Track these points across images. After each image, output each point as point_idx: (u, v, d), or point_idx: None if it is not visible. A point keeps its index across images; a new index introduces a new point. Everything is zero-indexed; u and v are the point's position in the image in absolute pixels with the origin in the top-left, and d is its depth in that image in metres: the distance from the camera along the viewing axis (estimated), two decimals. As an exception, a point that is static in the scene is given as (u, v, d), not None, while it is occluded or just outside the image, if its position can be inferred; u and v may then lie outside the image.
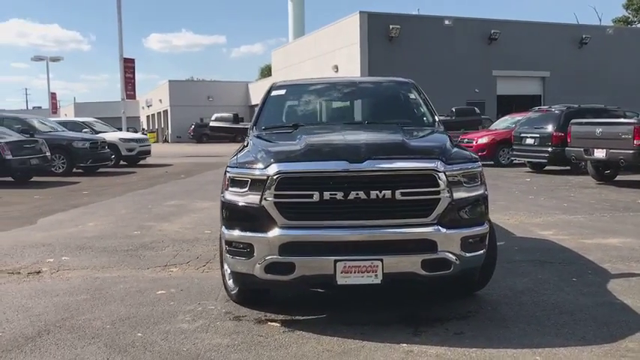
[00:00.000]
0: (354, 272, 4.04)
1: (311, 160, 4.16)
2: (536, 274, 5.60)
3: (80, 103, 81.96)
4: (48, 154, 15.67)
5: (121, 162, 21.24)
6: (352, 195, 3.99)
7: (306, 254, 4.07)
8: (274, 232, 4.07)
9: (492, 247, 4.72)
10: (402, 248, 4.07)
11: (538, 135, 15.85)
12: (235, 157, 4.51)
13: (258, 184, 4.12)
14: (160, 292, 5.25)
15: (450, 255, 4.11)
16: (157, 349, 3.91)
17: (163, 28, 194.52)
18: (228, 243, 4.29)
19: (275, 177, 4.06)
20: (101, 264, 6.40)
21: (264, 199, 4.08)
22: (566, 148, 13.88)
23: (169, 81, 59.89)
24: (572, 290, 5.06)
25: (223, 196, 4.37)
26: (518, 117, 19.27)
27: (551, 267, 5.86)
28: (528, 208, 9.78)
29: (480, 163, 4.42)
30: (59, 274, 6.02)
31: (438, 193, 4.08)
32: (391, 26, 33.76)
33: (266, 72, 66.22)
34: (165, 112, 60.70)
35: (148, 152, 22.67)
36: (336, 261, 4.02)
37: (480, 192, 4.33)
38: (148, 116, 69.74)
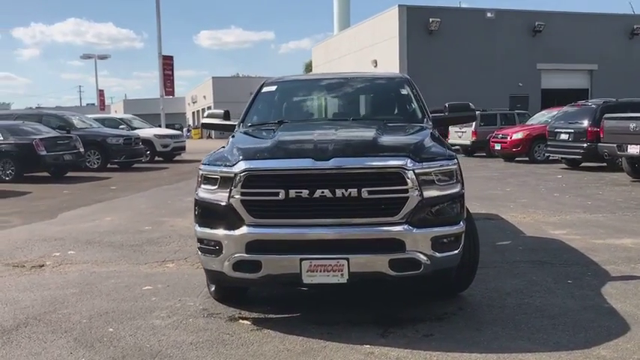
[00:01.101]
0: (320, 271, 3.98)
1: (277, 157, 4.12)
2: (532, 275, 5.40)
3: (130, 99, 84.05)
4: (81, 150, 16.12)
5: (157, 158, 21.65)
6: (318, 193, 3.93)
7: (272, 252, 4.04)
8: (241, 230, 4.05)
9: (473, 247, 4.58)
10: (368, 247, 3.98)
11: (572, 130, 15.33)
12: (210, 155, 4.51)
13: (226, 182, 4.11)
14: (146, 287, 5.31)
15: (420, 255, 4.00)
16: (122, 345, 3.95)
17: (213, 24, 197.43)
18: (200, 240, 4.30)
19: (241, 175, 4.04)
20: (102, 259, 6.53)
21: (232, 196, 4.07)
22: (599, 144, 13.38)
23: (213, 78, 60.70)
24: (563, 293, 4.87)
25: (197, 194, 4.37)
26: (555, 111, 18.67)
27: (550, 268, 5.65)
28: (549, 206, 9.47)
29: (455, 161, 4.25)
30: (59, 268, 6.16)
31: (406, 191, 3.96)
32: (431, 19, 33.25)
33: (310, 68, 66.33)
34: (209, 108, 61.40)
35: (183, 148, 23.05)
36: (301, 259, 3.97)
37: (455, 190, 4.19)
38: (193, 112, 70.93)
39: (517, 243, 6.79)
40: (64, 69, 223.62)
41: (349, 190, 3.92)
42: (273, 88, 5.94)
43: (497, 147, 18.87)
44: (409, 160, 4.00)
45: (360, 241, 3.98)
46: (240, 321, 4.36)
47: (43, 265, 6.32)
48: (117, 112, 67.84)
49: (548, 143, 16.38)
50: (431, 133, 4.83)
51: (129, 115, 25.57)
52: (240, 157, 4.14)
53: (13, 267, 6.29)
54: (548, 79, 35.38)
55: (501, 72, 33.89)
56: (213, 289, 4.76)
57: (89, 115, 23.34)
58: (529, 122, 19.99)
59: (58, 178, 15.71)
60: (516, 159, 18.72)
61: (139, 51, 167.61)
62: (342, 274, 3.97)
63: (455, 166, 4.22)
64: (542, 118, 19.63)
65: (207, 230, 4.22)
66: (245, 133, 5.14)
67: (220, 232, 4.13)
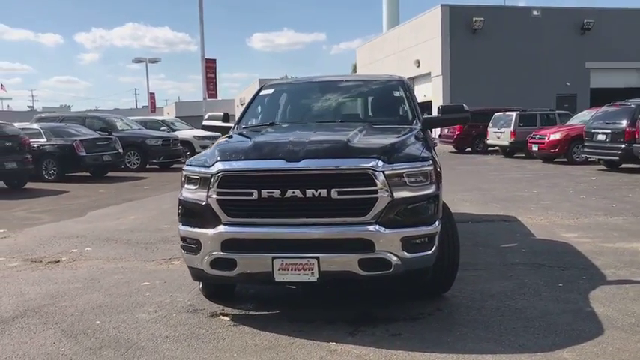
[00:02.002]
0: (291, 269, 4.09)
1: (251, 159, 4.25)
2: (524, 277, 5.36)
3: (182, 102, 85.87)
4: (120, 151, 16.70)
5: (197, 158, 22.09)
6: (289, 193, 4.04)
7: (246, 251, 4.17)
8: (218, 229, 4.20)
9: (452, 247, 4.59)
10: (338, 247, 4.06)
11: (610, 131, 14.88)
12: (194, 157, 4.69)
13: (205, 182, 4.27)
14: (144, 283, 5.54)
15: (391, 255, 4.05)
16: (103, 337, 4.16)
17: (266, 27, 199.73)
18: (183, 239, 4.46)
19: (217, 175, 4.19)
20: (115, 255, 6.82)
21: (210, 196, 4.22)
22: (634, 145, 12.97)
23: (259, 79, 61.39)
24: (548, 296, 4.82)
25: (180, 194, 4.55)
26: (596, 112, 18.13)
27: (546, 271, 5.58)
28: (571, 209, 9.27)
29: (429, 163, 4.27)
30: (72, 264, 6.48)
31: (376, 192, 4.03)
32: (474, 18, 32.84)
33: (356, 69, 66.27)
34: (257, 109, 62.22)
35: (223, 149, 23.43)
36: (273, 258, 4.09)
37: (428, 192, 4.22)
38: (241, 114, 71.84)
39: (522, 245, 6.71)
40: (122, 72, 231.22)
41: (319, 190, 4.02)
42: (271, 90, 6.09)
43: (535, 148, 18.48)
44: (379, 162, 4.07)
45: (330, 241, 4.07)
46: (221, 317, 4.52)
47: (58, 261, 6.66)
48: (169, 114, 69.56)
49: (585, 144, 15.95)
50: (415, 135, 4.86)
51: (171, 117, 26.22)
52: (218, 159, 4.30)
53: (31, 262, 6.64)
54: (598, 78, 34.35)
55: (548, 71, 33.15)
56: (200, 285, 4.94)
57: (135, 118, 24.08)
58: (569, 122, 19.48)
59: (97, 178, 16.33)
60: (555, 160, 18.29)
61: (193, 54, 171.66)
62: (312, 273, 4.07)
63: (428, 168, 4.25)
64: (583, 118, 19.08)
65: (189, 229, 4.39)
66: (237, 135, 5.30)
67: (199, 230, 4.30)
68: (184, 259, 4.59)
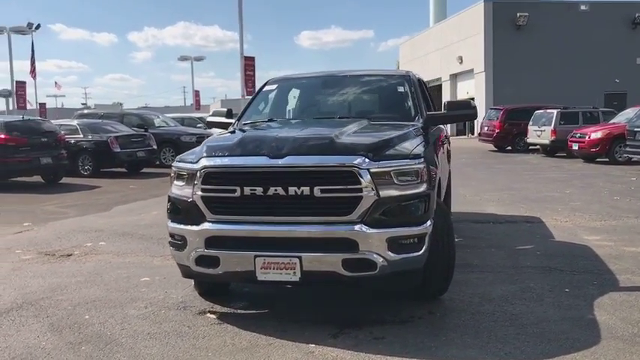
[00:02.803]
0: (273, 268, 4.00)
1: (235, 155, 4.18)
2: (531, 281, 5.12)
3: (227, 99, 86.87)
4: (154, 147, 16.94)
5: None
6: (271, 191, 3.95)
7: (229, 249, 4.11)
8: (202, 226, 4.15)
9: (446, 249, 4.40)
10: (321, 246, 3.95)
11: (653, 129, 14.22)
12: (185, 153, 4.65)
13: (191, 179, 4.22)
14: (144, 279, 5.55)
15: (376, 256, 3.91)
16: (87, 331, 4.17)
17: (314, 25, 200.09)
18: (171, 235, 4.43)
19: (201, 171, 4.14)
20: (125, 250, 6.88)
21: (195, 193, 4.18)
22: (675, 144, 12.33)
23: (303, 77, 61.49)
24: (551, 301, 4.59)
25: (170, 190, 4.52)
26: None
27: (556, 275, 5.33)
28: (600, 210, 8.88)
29: (420, 161, 4.09)
30: (82, 258, 6.56)
31: (360, 190, 3.89)
32: (518, 14, 32.07)
33: (399, 65, 65.50)
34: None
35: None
36: (255, 256, 4.01)
37: (417, 190, 4.05)
38: (287, 111, 72.22)
39: (538, 248, 6.44)
40: (172, 70, 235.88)
41: (302, 188, 3.91)
42: (274, 86, 6.01)
43: (575, 147, 17.84)
44: (364, 159, 3.93)
45: (313, 240, 3.96)
46: (208, 315, 4.47)
47: (70, 255, 6.75)
48: (214, 111, 70.09)
49: (627, 143, 15.29)
50: (413, 131, 4.70)
51: (208, 114, 26.48)
52: (204, 155, 4.25)
53: (45, 255, 6.76)
54: (650, 74, 32.99)
55: (596, 68, 32.06)
56: (194, 282, 4.90)
57: (172, 115, 24.44)
58: (613, 121, 18.72)
59: (132, 174, 16.62)
60: (596, 160, 17.62)
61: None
62: (294, 272, 3.97)
63: (419, 166, 4.08)
64: (628, 116, 18.30)
65: (176, 225, 4.35)
66: (233, 131, 5.23)
67: (185, 227, 4.25)
68: (172, 256, 4.55)
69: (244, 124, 5.51)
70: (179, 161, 4.47)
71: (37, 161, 13.69)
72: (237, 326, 4.19)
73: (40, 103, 49.85)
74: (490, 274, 5.40)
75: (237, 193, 4.03)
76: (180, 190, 4.34)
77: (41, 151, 13.81)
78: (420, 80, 5.98)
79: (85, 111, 24.97)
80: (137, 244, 7.21)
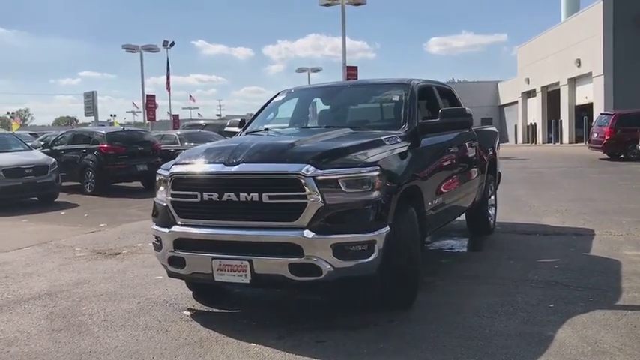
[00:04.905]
0: (227, 270, 4.24)
1: (198, 162, 4.47)
2: (522, 295, 4.93)
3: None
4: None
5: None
6: (225, 197, 4.21)
7: (192, 250, 4.41)
8: (172, 229, 4.50)
9: (406, 257, 4.38)
10: (269, 250, 4.14)
11: None
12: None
13: (166, 184, 4.59)
14: (158, 277, 5.99)
15: (321, 261, 4.03)
16: (72, 321, 4.68)
17: (443, 31, 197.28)
18: (154, 237, 4.82)
19: (170, 178, 4.49)
20: (165, 251, 7.42)
21: (167, 197, 4.54)
22: None
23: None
24: (523, 316, 4.40)
25: (155, 195, 4.92)
26: None
27: (556, 290, 5.06)
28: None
29: (374, 169, 4.15)
30: (125, 257, 7.20)
31: (305, 197, 4.04)
32: (643, 12, 29.62)
33: (522, 70, 62.78)
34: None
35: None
36: (212, 258, 4.28)
37: (367, 198, 4.11)
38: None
39: (562, 261, 6.09)
40: (303, 81, 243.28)
41: (251, 194, 4.13)
42: (282, 97, 6.26)
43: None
44: (309, 167, 4.06)
45: (261, 244, 4.16)
46: (184, 312, 4.81)
47: (118, 254, 7.43)
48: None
49: None
50: (386, 140, 4.73)
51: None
52: (175, 162, 4.60)
53: (96, 253, 7.50)
54: None
55: None
56: (185, 283, 5.25)
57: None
58: None
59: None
60: None
61: (370, 61, 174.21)
62: (245, 275, 4.19)
63: (370, 174, 4.14)
64: None
65: (155, 227, 4.74)
66: (223, 140, 5.55)
67: (161, 229, 4.62)
68: (156, 256, 4.93)
69: (246, 133, 5.82)
70: (161, 169, 4.85)
71: (134, 168, 14.99)
72: (200, 323, 4.48)
73: (173, 115, 53.80)
74: (486, 286, 5.26)
75: (198, 199, 4.33)
76: (160, 194, 4.72)
77: (138, 159, 15.09)
78: (425, 87, 5.91)
79: (191, 122, 26.64)
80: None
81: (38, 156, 13.83)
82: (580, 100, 34.87)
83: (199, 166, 4.44)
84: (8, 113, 69.51)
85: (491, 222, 7.84)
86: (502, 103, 52.87)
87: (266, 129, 5.70)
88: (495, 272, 5.75)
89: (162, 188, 4.70)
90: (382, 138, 4.75)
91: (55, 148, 16.13)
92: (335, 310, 4.77)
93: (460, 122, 5.47)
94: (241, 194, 4.16)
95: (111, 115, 73.61)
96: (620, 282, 5.26)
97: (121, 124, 45.55)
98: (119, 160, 14.91)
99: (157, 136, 18.23)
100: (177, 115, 58.41)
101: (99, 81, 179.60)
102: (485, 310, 4.55)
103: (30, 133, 30.59)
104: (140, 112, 53.35)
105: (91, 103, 43.60)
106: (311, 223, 4.04)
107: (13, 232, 9.58)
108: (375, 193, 4.15)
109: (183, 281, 5.32)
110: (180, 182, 4.47)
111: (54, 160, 13.67)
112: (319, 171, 4.06)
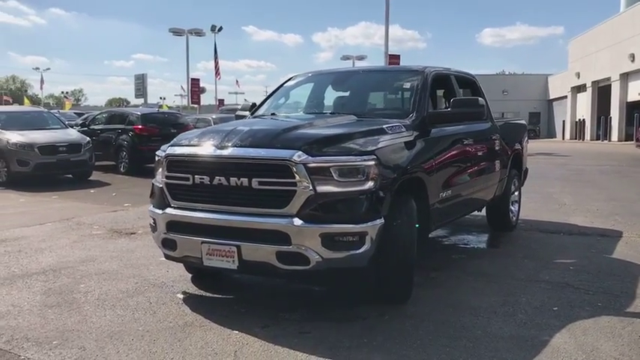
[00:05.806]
0: (216, 255, 4.18)
1: (192, 145, 4.40)
2: (527, 296, 4.71)
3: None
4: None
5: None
6: (216, 180, 4.14)
7: (183, 233, 4.35)
8: (166, 211, 4.46)
9: (400, 251, 4.22)
10: (257, 237, 4.03)
11: None
12: None
13: (161, 166, 4.55)
14: (162, 258, 5.93)
15: (310, 250, 3.91)
16: (67, 298, 4.70)
17: (497, 22, 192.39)
18: (151, 219, 4.79)
19: (165, 159, 4.45)
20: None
21: (162, 179, 4.50)
22: None
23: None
24: (521, 318, 4.19)
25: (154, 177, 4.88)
26: None
27: (566, 292, 4.81)
28: None
29: (370, 158, 3.99)
30: (139, 237, 7.24)
31: (294, 184, 3.92)
32: None
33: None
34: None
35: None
36: (202, 242, 4.21)
37: (360, 188, 3.96)
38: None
39: (579, 263, 5.81)
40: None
41: (241, 179, 4.04)
42: (294, 82, 6.12)
43: None
44: (300, 153, 3.93)
45: (249, 231, 4.06)
46: (177, 295, 4.77)
47: (133, 233, 7.48)
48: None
49: None
50: (387, 128, 4.55)
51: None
52: (171, 144, 4.54)
53: (112, 232, 7.57)
54: None
55: None
56: (183, 265, 5.22)
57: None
58: None
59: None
60: None
61: (421, 51, 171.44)
62: (233, 260, 4.11)
63: (367, 163, 3.99)
64: None
65: (151, 209, 4.70)
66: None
67: (156, 210, 4.59)
68: (152, 238, 4.91)
69: (254, 117, 5.73)
70: (160, 150, 4.81)
71: (166, 150, 15.12)
72: (190, 307, 4.44)
73: (219, 100, 54.33)
74: (491, 285, 5.05)
75: (190, 181, 4.27)
76: (157, 176, 4.68)
77: (169, 140, 15.19)
78: (441, 76, 5.69)
79: (229, 107, 26.79)
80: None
81: (73, 134, 14.11)
82: (632, 97, 33.56)
83: (193, 149, 4.37)
84: (62, 93, 71.75)
85: (514, 218, 7.56)
86: (551, 97, 51.45)
87: (272, 114, 5.59)
88: (505, 271, 5.53)
89: (159, 169, 4.65)
90: (384, 126, 4.58)
91: (92, 127, 16.45)
92: (329, 301, 4.66)
93: (472, 113, 5.23)
94: (231, 179, 4.07)
95: (160, 98, 75.08)
96: (636, 288, 4.97)
97: (169, 107, 46.24)
98: (152, 141, 15.04)
99: (194, 119, 18.38)
100: (223, 100, 59.02)
101: (151, 64, 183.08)
102: (483, 310, 4.36)
103: (75, 112, 31.37)
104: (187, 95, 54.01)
105: (141, 85, 44.47)
106: (300, 211, 3.93)
107: (40, 208, 9.80)
108: (370, 184, 4.00)
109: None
110: (174, 164, 4.41)
111: (88, 139, 13.93)
112: (310, 158, 3.93)
